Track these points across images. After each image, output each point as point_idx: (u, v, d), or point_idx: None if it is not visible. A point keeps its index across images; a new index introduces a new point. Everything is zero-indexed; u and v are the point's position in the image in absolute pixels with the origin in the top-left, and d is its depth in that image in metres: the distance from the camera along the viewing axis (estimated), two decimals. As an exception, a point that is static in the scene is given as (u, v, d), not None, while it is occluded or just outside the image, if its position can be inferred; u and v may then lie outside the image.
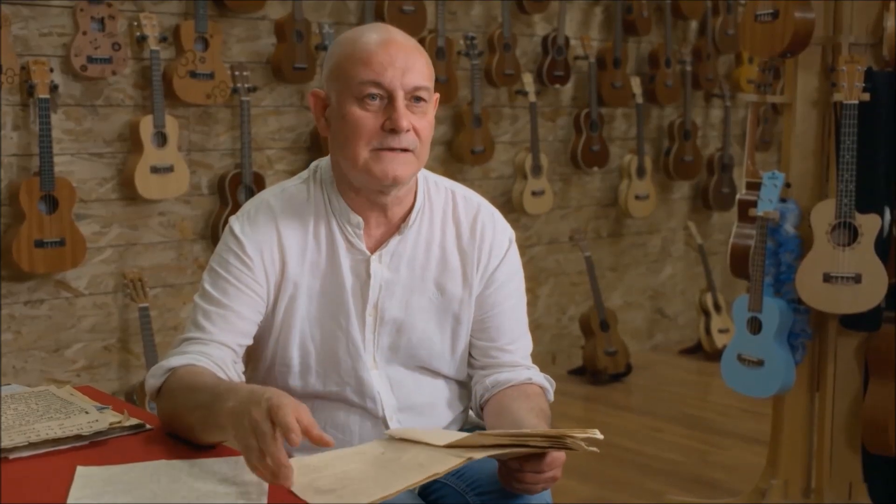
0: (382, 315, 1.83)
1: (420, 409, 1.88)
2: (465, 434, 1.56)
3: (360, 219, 1.81)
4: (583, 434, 1.53)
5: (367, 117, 1.72)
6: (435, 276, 1.85)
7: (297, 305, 1.81)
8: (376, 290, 1.82)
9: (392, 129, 1.72)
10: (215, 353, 1.75)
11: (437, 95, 1.84)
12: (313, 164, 1.89)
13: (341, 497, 1.40)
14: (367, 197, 1.80)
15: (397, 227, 1.84)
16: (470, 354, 1.93)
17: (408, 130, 1.73)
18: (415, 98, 1.74)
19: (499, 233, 1.90)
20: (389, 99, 1.72)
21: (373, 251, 1.83)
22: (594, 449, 1.52)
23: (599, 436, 1.52)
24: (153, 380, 1.72)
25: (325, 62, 1.81)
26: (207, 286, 1.79)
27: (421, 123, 1.75)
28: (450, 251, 1.86)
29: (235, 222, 1.82)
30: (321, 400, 1.86)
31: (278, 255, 1.80)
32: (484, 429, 1.88)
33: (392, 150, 1.72)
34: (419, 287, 1.84)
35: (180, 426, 1.65)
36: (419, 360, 1.87)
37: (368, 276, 1.81)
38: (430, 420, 1.89)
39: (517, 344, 1.92)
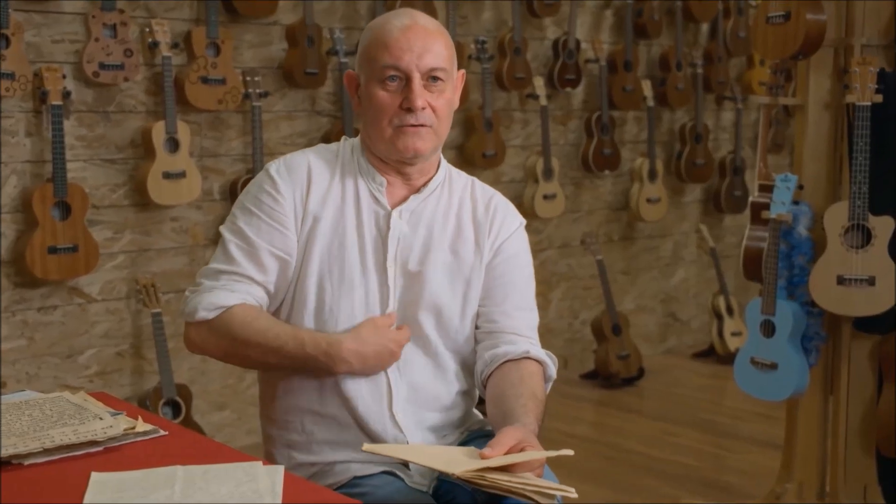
0: (399, 268, 1.93)
1: (424, 399, 1.95)
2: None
3: (383, 178, 1.96)
4: (558, 489, 1.59)
5: (387, 97, 1.89)
6: (450, 241, 1.98)
7: (317, 237, 1.91)
8: (395, 243, 1.93)
9: (408, 108, 1.88)
10: (257, 293, 1.91)
11: (463, 72, 2.00)
12: (342, 138, 2.05)
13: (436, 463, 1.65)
14: (392, 166, 1.95)
15: (418, 190, 1.98)
16: (476, 326, 1.99)
17: (423, 108, 1.88)
18: (431, 78, 1.90)
19: (511, 214, 2.04)
20: (406, 80, 1.89)
21: (394, 208, 1.95)
22: None
23: (573, 494, 1.60)
24: (206, 312, 1.87)
25: (358, 46, 1.98)
26: (241, 224, 1.92)
27: (437, 102, 1.91)
28: (465, 222, 1.99)
29: (272, 165, 1.96)
30: None
31: (306, 190, 1.93)
32: (485, 430, 1.98)
33: (411, 126, 1.89)
34: (435, 246, 1.96)
35: (240, 356, 1.90)
36: (434, 309, 1.94)
37: (388, 228, 1.94)
38: (436, 415, 1.94)
39: (521, 313, 2.00)
